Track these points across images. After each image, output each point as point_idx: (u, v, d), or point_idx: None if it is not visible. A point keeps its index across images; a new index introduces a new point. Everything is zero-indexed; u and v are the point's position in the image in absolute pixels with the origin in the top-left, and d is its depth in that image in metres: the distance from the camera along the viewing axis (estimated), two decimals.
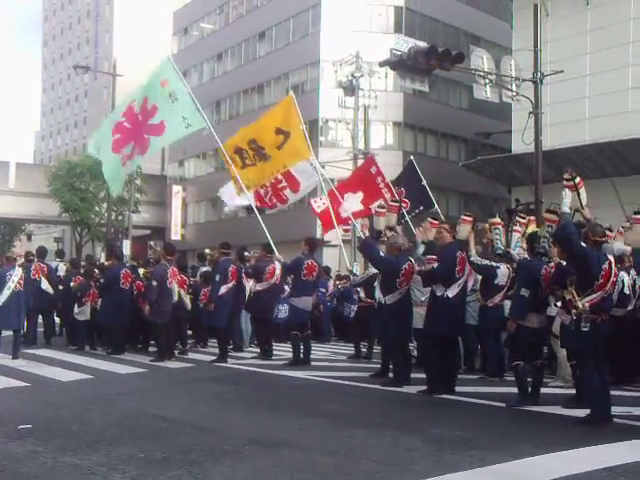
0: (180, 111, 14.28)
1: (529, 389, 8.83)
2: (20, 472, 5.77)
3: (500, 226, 11.06)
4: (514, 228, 11.02)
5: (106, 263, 16.50)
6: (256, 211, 15.01)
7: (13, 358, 13.23)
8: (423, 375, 10.07)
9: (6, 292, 13.43)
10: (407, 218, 16.24)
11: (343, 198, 16.29)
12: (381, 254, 10.75)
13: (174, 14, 62.53)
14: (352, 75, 35.51)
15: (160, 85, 14.54)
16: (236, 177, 14.84)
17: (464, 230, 10.47)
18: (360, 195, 16.62)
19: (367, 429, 7.39)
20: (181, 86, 14.59)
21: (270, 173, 14.91)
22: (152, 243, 22.09)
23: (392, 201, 13.54)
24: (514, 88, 19.98)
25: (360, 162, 30.45)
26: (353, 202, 16.43)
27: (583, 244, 7.77)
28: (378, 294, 10.72)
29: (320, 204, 17.07)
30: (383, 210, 12.44)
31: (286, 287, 15.25)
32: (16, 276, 13.65)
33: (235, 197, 16.20)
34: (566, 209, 8.10)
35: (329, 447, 6.61)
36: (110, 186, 16.77)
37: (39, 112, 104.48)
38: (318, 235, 29.34)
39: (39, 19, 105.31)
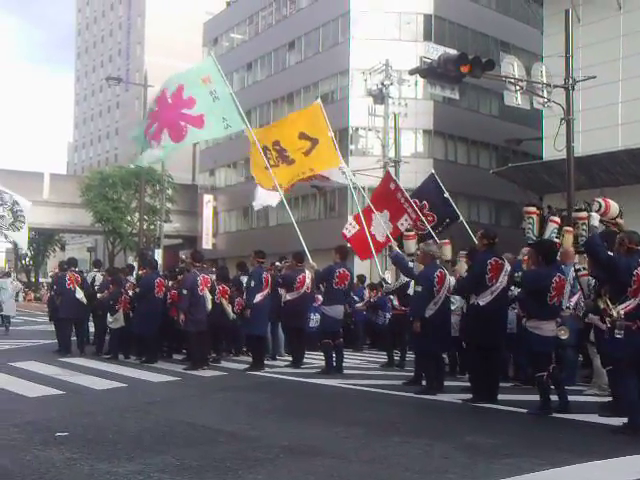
0: (221, 111, 14.34)
1: (553, 397, 8.76)
2: (59, 479, 5.84)
3: (534, 215, 10.98)
4: (551, 218, 10.90)
5: (140, 272, 16.62)
6: (292, 218, 14.93)
7: None
8: (456, 383, 10.02)
9: None
10: (434, 232, 16.13)
11: (372, 219, 16.07)
12: (410, 265, 10.93)
13: (204, 25, 63.03)
14: (382, 83, 35.51)
15: (201, 81, 14.56)
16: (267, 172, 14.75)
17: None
18: (387, 214, 16.52)
19: (401, 437, 7.37)
20: (223, 86, 14.61)
21: (296, 175, 14.86)
22: (183, 256, 22.25)
23: (431, 226, 13.74)
24: (545, 94, 19.83)
25: (390, 170, 30.36)
26: (382, 222, 16.30)
27: (611, 253, 7.76)
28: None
29: (350, 228, 16.79)
30: (412, 233, 12.59)
31: (319, 296, 15.30)
32: None
33: (263, 196, 16.12)
34: (595, 222, 8.15)
35: (364, 455, 6.60)
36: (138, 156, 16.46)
37: (72, 123, 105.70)
38: None
39: (72, 33, 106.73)
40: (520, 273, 9.81)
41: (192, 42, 69.72)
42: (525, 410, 8.85)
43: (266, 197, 15.90)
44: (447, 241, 12.91)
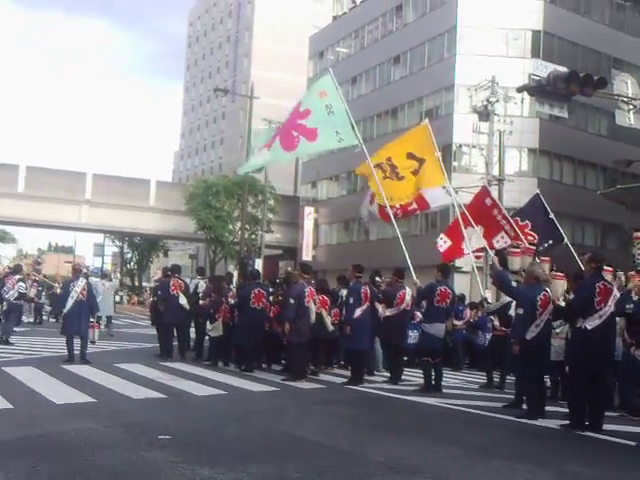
0: (334, 125, 14.60)
1: None
2: None
3: None
4: None
5: (239, 281, 16.83)
6: (398, 233, 14.95)
7: (82, 363, 14.08)
8: (557, 408, 9.78)
9: (70, 301, 14.57)
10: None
11: (464, 232, 15.90)
12: (513, 284, 10.73)
13: (310, 39, 63.72)
14: (487, 100, 35.04)
15: (318, 95, 14.88)
16: (378, 189, 14.97)
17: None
18: (480, 229, 16.30)
19: (503, 461, 7.26)
20: (339, 102, 14.89)
21: (405, 196, 15.03)
22: (289, 268, 22.55)
23: (529, 244, 13.51)
24: None
25: (493, 188, 29.95)
26: (474, 237, 16.08)
27: None
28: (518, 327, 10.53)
29: (441, 243, 16.72)
30: (518, 250, 12.36)
31: (417, 312, 15.22)
32: (79, 287, 14.77)
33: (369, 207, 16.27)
34: None
35: (464, 477, 6.52)
36: (247, 161, 16.91)
37: (179, 133, 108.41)
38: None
39: (183, 46, 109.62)
40: (632, 305, 9.55)
41: (298, 55, 70.55)
42: (633, 443, 8.55)
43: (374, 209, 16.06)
44: (547, 259, 12.80)
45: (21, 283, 19.36)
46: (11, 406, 8.99)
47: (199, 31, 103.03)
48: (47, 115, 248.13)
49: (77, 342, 14.65)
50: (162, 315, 16.64)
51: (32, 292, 25.47)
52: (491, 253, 14.89)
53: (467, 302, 19.90)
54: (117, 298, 37.14)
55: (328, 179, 56.57)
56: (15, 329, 19.54)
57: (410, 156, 15.14)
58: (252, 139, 17.43)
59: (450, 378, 14.96)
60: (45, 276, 33.75)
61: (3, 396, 9.59)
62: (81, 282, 14.91)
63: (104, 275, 28.01)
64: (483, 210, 16.65)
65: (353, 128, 14.89)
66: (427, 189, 15.14)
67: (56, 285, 28.59)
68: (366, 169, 15.36)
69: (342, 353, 15.67)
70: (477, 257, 21.68)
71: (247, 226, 45.23)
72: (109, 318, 23.40)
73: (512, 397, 11.31)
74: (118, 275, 29.21)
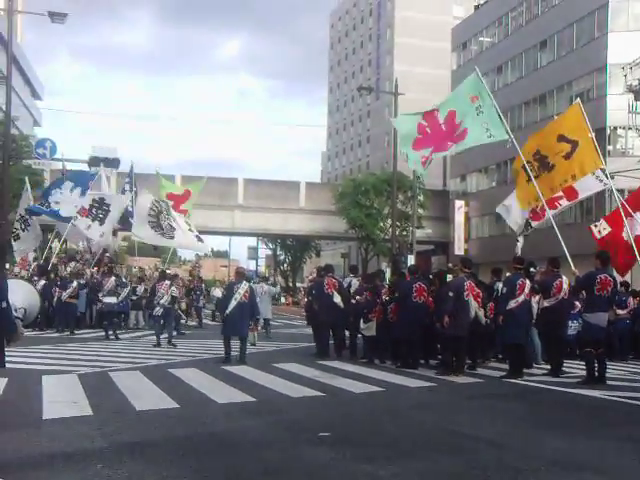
0: (483, 122, 14.55)
1: None
2: (326, 478, 6.08)
3: None
4: None
5: (394, 277, 16.79)
6: (554, 223, 14.54)
7: (240, 363, 14.44)
8: None
9: (233, 303, 14.94)
10: None
11: (624, 223, 15.12)
12: None
13: (452, 30, 63.02)
14: None
15: (470, 101, 14.88)
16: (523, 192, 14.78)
17: None
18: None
19: None
20: (487, 99, 14.81)
21: (558, 184, 14.63)
22: (450, 265, 22.44)
23: None
24: None
25: None
26: (636, 225, 15.28)
27: None
28: None
29: (600, 229, 15.92)
30: None
31: (577, 302, 14.72)
32: (242, 289, 15.09)
33: (513, 213, 16.02)
34: None
35: (635, 474, 6.22)
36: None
37: (326, 133, 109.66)
38: None
39: (326, 48, 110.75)
40: None
41: (441, 49, 70.00)
42: None
43: (516, 217, 15.84)
44: None
45: (173, 288, 20.19)
46: (178, 406, 9.35)
47: (340, 32, 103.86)
48: (196, 125, 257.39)
49: (236, 344, 15.08)
50: (317, 314, 16.85)
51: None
52: None
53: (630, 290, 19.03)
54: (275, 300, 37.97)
55: (477, 171, 55.72)
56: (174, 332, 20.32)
57: (561, 138, 14.71)
58: (400, 126, 17.50)
59: (614, 369, 14.36)
60: (202, 280, 34.90)
61: (170, 396, 10.00)
62: (245, 285, 15.34)
63: (265, 278, 28.62)
64: None
65: (502, 122, 14.76)
66: (581, 178, 14.65)
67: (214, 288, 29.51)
68: (516, 170, 15.21)
69: (499, 347, 15.36)
70: None
71: (397, 223, 45.09)
72: (267, 320, 23.88)
73: None
74: (278, 279, 29.87)
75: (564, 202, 15.23)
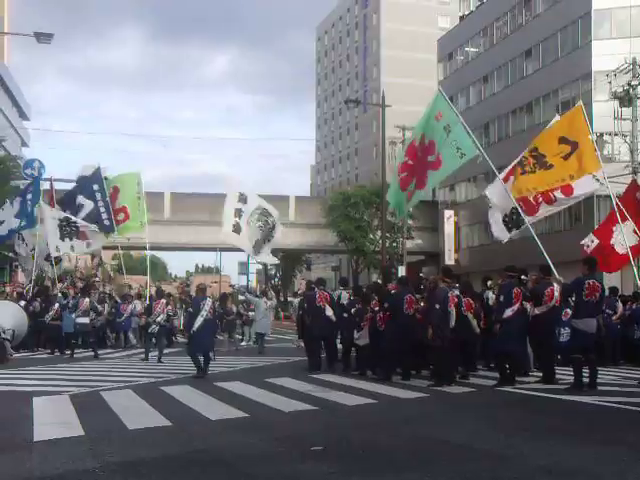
0: (454, 142, 14.64)
1: None
2: None
3: None
4: None
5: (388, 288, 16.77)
6: (532, 232, 14.64)
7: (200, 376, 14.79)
8: None
9: (200, 320, 15.22)
10: None
11: (612, 230, 15.31)
12: None
13: (438, 41, 63.33)
14: (628, 84, 33.72)
15: (435, 119, 14.97)
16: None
17: None
18: (630, 225, 15.56)
19: None
20: (453, 116, 14.90)
21: (554, 181, 14.73)
22: (421, 274, 22.45)
23: None
24: None
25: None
26: (627, 233, 15.35)
27: None
28: None
29: (588, 242, 16.07)
30: None
31: (567, 309, 14.75)
32: (208, 305, 15.47)
33: (499, 223, 16.10)
34: None
35: None
36: (397, 212, 17.69)
37: (314, 147, 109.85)
38: None
39: (312, 61, 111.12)
40: None
41: (427, 60, 70.28)
42: None
43: (500, 231, 15.91)
44: None
45: (169, 307, 20.21)
46: (170, 423, 9.30)
47: (327, 45, 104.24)
48: (184, 138, 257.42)
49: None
50: (309, 328, 16.82)
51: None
52: None
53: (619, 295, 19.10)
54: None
55: (466, 181, 55.80)
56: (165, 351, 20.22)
57: (562, 140, 14.87)
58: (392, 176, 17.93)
59: (605, 374, 14.39)
60: (191, 297, 34.65)
61: (162, 414, 9.96)
62: (209, 301, 15.69)
63: (263, 293, 28.43)
64: (633, 205, 16.03)
65: (471, 137, 14.94)
66: (579, 179, 14.77)
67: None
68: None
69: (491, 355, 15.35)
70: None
71: (388, 234, 45.14)
72: (262, 335, 23.69)
73: None
74: (273, 293, 29.49)
75: (559, 195, 15.21)
